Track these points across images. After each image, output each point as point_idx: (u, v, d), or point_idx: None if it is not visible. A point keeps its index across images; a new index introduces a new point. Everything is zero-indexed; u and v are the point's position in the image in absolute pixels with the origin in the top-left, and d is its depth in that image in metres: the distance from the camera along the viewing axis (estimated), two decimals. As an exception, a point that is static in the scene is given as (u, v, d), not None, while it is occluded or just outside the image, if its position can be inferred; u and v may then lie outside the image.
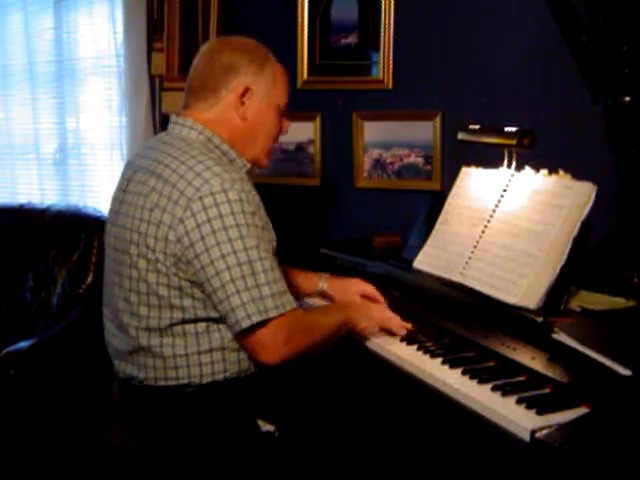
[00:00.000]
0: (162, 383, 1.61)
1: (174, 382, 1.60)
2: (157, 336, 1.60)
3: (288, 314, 1.55)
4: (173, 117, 1.72)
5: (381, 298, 1.97)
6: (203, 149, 1.63)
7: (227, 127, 1.70)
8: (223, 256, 1.51)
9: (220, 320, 1.59)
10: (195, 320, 1.59)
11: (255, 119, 1.72)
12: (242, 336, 1.56)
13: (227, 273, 1.51)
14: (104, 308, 1.76)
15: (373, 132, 2.74)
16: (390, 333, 1.82)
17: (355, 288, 2.01)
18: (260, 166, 1.81)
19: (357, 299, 1.98)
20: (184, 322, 1.59)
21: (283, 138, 2.88)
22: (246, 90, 1.70)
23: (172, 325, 1.59)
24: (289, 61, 2.78)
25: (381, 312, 1.87)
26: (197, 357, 1.59)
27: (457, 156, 2.25)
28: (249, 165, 1.73)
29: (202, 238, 1.51)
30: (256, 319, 1.51)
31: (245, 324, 1.52)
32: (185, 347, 1.59)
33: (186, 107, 1.73)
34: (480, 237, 1.88)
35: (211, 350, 1.60)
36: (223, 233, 1.51)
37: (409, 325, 1.84)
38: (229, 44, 1.76)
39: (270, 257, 1.57)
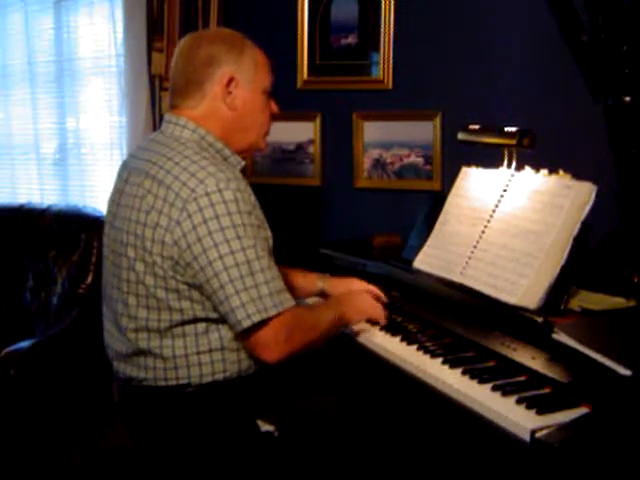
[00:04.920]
0: (162, 383, 1.61)
1: (174, 382, 1.60)
2: (157, 338, 1.60)
3: (287, 312, 1.55)
4: (167, 116, 1.72)
5: (383, 297, 1.98)
6: (197, 148, 1.62)
7: (218, 120, 1.69)
8: (221, 257, 1.50)
9: (219, 321, 1.59)
10: (194, 321, 1.59)
11: (244, 106, 1.71)
12: (243, 335, 1.56)
13: (225, 274, 1.51)
14: (104, 309, 1.76)
15: (373, 132, 2.74)
16: (384, 328, 1.87)
17: (355, 288, 2.01)
18: (260, 151, 1.83)
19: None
20: (183, 324, 1.58)
21: (283, 138, 2.89)
22: (230, 79, 1.68)
23: (172, 327, 1.58)
24: (289, 61, 2.78)
25: (368, 301, 1.90)
26: (197, 357, 1.59)
27: (457, 156, 2.25)
28: (243, 163, 1.73)
29: (199, 240, 1.51)
30: (256, 319, 1.51)
31: (246, 324, 1.52)
32: (185, 348, 1.59)
33: (174, 107, 1.71)
34: (480, 237, 1.88)
35: (210, 350, 1.60)
36: (220, 234, 1.50)
37: (386, 312, 1.91)
38: (204, 37, 1.74)
39: (267, 256, 1.57)
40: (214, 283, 1.52)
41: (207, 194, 1.51)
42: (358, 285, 2.02)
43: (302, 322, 1.63)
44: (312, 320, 1.69)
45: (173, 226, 1.52)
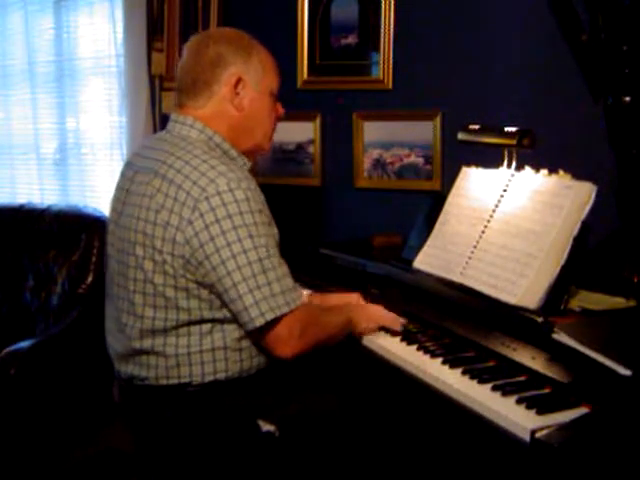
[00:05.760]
0: (164, 382, 1.61)
1: (176, 381, 1.61)
2: (161, 337, 1.60)
3: (299, 308, 1.58)
4: (173, 115, 1.72)
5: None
6: (205, 148, 1.63)
7: (225, 120, 1.69)
8: (234, 256, 1.51)
9: (225, 321, 1.60)
10: (201, 321, 1.59)
11: (251, 107, 1.72)
12: (257, 333, 1.57)
13: (238, 272, 1.52)
14: (107, 308, 1.76)
15: (373, 132, 2.74)
16: (388, 330, 1.84)
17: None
18: (263, 152, 1.83)
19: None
20: (190, 324, 1.59)
21: (283, 138, 2.89)
22: (238, 80, 1.69)
23: (178, 327, 1.59)
24: (289, 61, 2.78)
25: (378, 311, 1.88)
26: (199, 355, 1.60)
27: (457, 156, 2.25)
28: (249, 163, 1.74)
29: (212, 239, 1.51)
30: (269, 317, 1.53)
31: (259, 322, 1.53)
32: (188, 346, 1.60)
33: (181, 106, 1.72)
34: (480, 237, 1.88)
35: (213, 349, 1.60)
36: (233, 233, 1.51)
37: (403, 320, 1.86)
38: (212, 37, 1.74)
39: (277, 254, 1.59)
40: (226, 282, 1.52)
41: (219, 193, 1.52)
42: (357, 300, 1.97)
43: (315, 318, 1.67)
44: (324, 318, 1.73)
45: (184, 225, 1.52)
